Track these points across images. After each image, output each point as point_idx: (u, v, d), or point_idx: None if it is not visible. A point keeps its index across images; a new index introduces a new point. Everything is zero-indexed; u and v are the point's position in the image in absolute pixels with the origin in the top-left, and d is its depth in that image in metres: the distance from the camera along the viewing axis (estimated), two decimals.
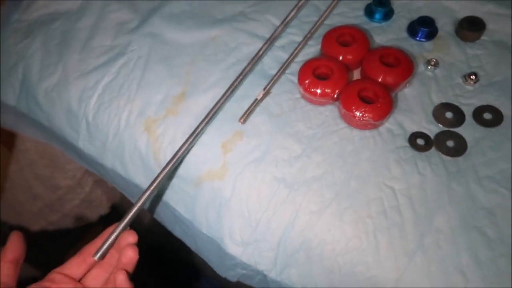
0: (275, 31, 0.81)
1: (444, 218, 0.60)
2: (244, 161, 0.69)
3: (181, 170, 0.73)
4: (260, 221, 0.67)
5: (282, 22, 0.82)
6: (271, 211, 0.66)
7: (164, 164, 0.72)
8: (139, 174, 0.78)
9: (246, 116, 0.72)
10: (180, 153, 0.70)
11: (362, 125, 0.69)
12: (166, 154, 0.73)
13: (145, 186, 0.72)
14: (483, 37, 0.77)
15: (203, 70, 0.79)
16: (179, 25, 0.85)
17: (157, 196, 0.77)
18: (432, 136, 0.68)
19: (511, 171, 0.63)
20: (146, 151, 0.75)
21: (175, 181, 0.74)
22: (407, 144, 0.67)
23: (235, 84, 0.75)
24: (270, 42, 0.80)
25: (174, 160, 0.70)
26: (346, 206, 0.63)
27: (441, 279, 0.57)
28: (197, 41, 0.83)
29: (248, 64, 0.78)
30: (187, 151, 0.71)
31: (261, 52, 0.79)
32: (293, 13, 0.83)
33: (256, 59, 0.78)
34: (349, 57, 0.74)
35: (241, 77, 0.76)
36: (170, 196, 0.75)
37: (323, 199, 0.64)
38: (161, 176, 0.69)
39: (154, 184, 0.69)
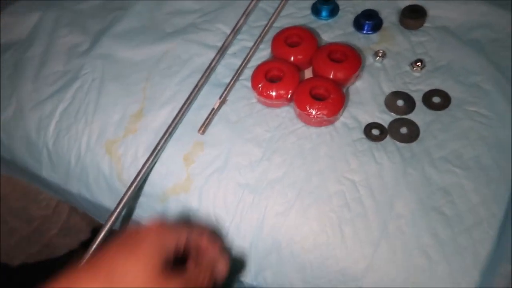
0: (226, 40, 0.82)
1: (404, 203, 0.62)
2: (207, 171, 0.70)
3: (147, 188, 0.73)
4: (229, 229, 0.67)
5: (232, 30, 0.84)
6: (239, 217, 0.67)
7: (129, 184, 0.72)
8: (106, 197, 0.77)
9: (204, 126, 0.73)
10: (143, 172, 0.70)
11: (318, 123, 0.70)
12: (130, 174, 0.73)
13: (112, 208, 0.72)
14: (425, 24, 0.80)
15: (159, 84, 0.80)
16: (130, 42, 0.86)
17: (127, 216, 0.77)
18: (386, 125, 0.70)
19: (461, 150, 0.65)
20: (110, 173, 0.75)
21: (142, 199, 0.74)
22: (363, 136, 0.69)
23: (191, 97, 0.76)
24: (222, 51, 0.81)
25: (138, 179, 0.70)
26: (310, 203, 0.65)
27: (407, 262, 0.59)
28: (150, 56, 0.84)
29: (203, 75, 0.79)
30: (150, 168, 0.71)
31: (214, 62, 0.80)
32: (242, 20, 0.84)
33: (209, 69, 0.79)
34: (299, 57, 0.76)
35: (196, 88, 0.77)
36: (140, 215, 0.75)
37: (287, 199, 0.65)
38: (126, 196, 0.69)
39: (120, 206, 0.69)
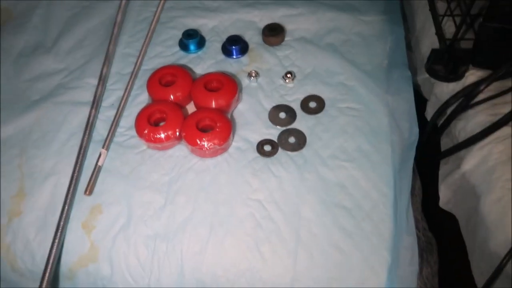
0: (95, 92, 0.79)
1: (308, 207, 0.66)
2: (111, 232, 0.66)
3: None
4: (149, 285, 0.64)
5: (98, 81, 0.81)
6: (157, 270, 0.64)
7: (27, 272, 0.65)
8: None
9: (90, 186, 0.69)
10: (54, 250, 0.64)
11: (212, 153, 0.71)
12: (25, 261, 0.66)
13: None
14: (286, 38, 0.87)
15: (36, 157, 0.74)
16: None
17: None
18: (275, 139, 0.73)
19: (345, 145, 0.71)
20: (2, 266, 0.67)
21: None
22: (257, 154, 0.72)
23: (78, 162, 0.71)
24: (96, 105, 0.78)
25: (51, 261, 0.63)
26: (224, 233, 0.65)
27: (325, 262, 0.62)
28: (19, 129, 0.77)
29: (84, 134, 0.75)
30: (61, 244, 0.65)
31: (91, 118, 0.76)
32: (105, 68, 0.82)
33: (89, 126, 0.75)
34: (178, 94, 0.76)
35: (82, 150, 0.73)
36: None
37: (200, 237, 0.65)
38: (46, 279, 0.62)
39: None
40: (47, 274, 0.62)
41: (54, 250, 0.64)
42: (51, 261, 0.63)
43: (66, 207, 0.67)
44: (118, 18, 0.91)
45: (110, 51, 0.85)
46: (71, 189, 0.69)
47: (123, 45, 0.89)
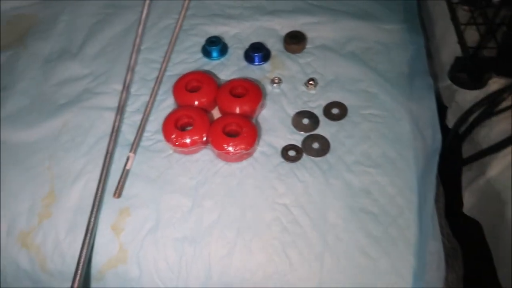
0: (120, 98, 0.81)
1: (335, 212, 0.67)
2: (140, 235, 0.67)
3: None
4: (177, 287, 0.65)
5: (123, 87, 0.83)
6: (185, 273, 0.65)
7: (57, 273, 0.66)
8: None
9: (119, 189, 0.70)
10: (84, 251, 0.65)
11: (238, 158, 0.72)
12: (55, 262, 0.67)
13: None
14: (307, 46, 0.88)
15: (65, 160, 0.75)
16: (22, 123, 0.80)
17: None
18: (299, 145, 0.75)
19: (369, 150, 0.72)
20: (32, 267, 0.68)
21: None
22: (282, 159, 0.73)
23: (106, 164, 0.73)
24: (120, 110, 0.79)
25: (82, 261, 0.64)
26: (251, 237, 0.66)
27: (352, 267, 0.63)
28: (48, 132, 0.79)
29: (110, 138, 0.76)
30: (91, 245, 0.66)
31: (117, 123, 0.78)
32: (129, 75, 0.84)
33: (115, 131, 0.77)
34: (203, 100, 0.78)
35: (108, 154, 0.74)
36: None
37: (228, 240, 0.66)
38: (77, 280, 0.63)
39: None
40: (78, 275, 0.63)
41: (84, 251, 0.65)
42: (81, 262, 0.64)
43: (95, 209, 0.68)
44: (139, 29, 0.93)
45: (132, 61, 0.87)
46: (99, 192, 0.70)
47: (147, 52, 0.90)
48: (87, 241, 0.65)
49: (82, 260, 0.64)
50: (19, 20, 1.00)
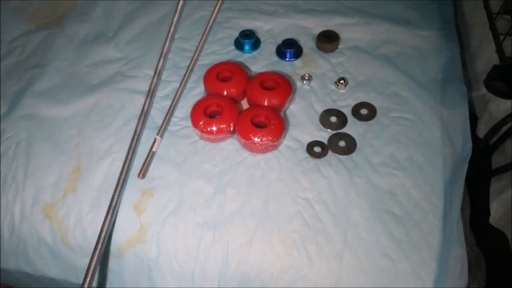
0: (151, 83, 0.82)
1: (357, 211, 0.66)
2: (161, 216, 0.68)
3: None
4: (194, 271, 0.65)
5: (154, 73, 0.84)
6: (202, 258, 0.65)
7: (77, 247, 0.67)
8: (51, 266, 0.71)
9: (144, 170, 0.71)
10: (106, 227, 0.65)
11: (264, 149, 0.72)
12: (76, 236, 0.68)
13: (60, 277, 0.67)
14: (340, 46, 0.88)
15: (93, 138, 0.76)
16: (54, 99, 0.82)
17: (78, 283, 0.70)
18: (325, 142, 0.74)
19: (396, 153, 0.71)
20: (53, 239, 0.69)
21: None
22: (307, 155, 0.73)
23: (133, 144, 0.74)
24: (151, 95, 0.80)
25: (103, 235, 0.65)
26: (271, 228, 0.65)
27: (372, 267, 0.62)
28: (78, 111, 0.80)
29: (138, 120, 0.77)
30: (112, 222, 0.67)
31: (146, 106, 0.79)
32: (161, 62, 0.85)
33: (143, 114, 0.78)
34: (233, 90, 0.78)
35: (136, 135, 0.75)
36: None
37: (248, 229, 0.65)
38: (96, 255, 0.64)
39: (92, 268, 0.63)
40: (98, 250, 0.64)
41: (105, 227, 0.66)
42: (102, 237, 0.65)
43: (119, 187, 0.69)
44: (175, 18, 0.94)
45: (165, 48, 0.88)
46: (124, 170, 0.71)
47: (180, 40, 0.92)
48: (109, 217, 0.66)
49: (103, 235, 0.65)
50: (59, 3, 1.03)
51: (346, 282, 0.62)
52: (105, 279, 0.69)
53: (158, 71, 0.85)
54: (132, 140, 0.74)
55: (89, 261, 0.63)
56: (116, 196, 0.68)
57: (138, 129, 0.76)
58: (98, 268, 0.63)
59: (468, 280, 0.63)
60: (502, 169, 0.68)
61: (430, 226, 0.64)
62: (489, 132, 0.72)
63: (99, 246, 0.64)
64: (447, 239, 0.63)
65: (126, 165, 0.71)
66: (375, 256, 0.62)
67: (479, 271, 0.65)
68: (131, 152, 0.73)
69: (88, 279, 0.61)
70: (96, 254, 0.64)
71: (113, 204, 0.68)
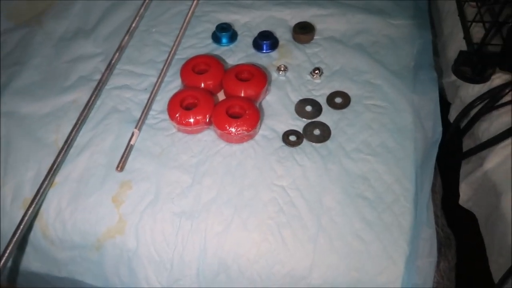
0: (102, 75, 0.84)
1: (331, 196, 0.67)
2: (139, 207, 0.69)
3: (77, 239, 0.69)
4: (173, 260, 0.67)
5: (107, 66, 0.86)
6: (181, 246, 0.67)
7: (57, 240, 0.69)
8: (33, 260, 0.72)
9: (122, 163, 0.72)
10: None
11: (240, 139, 0.74)
12: (56, 228, 0.69)
13: (43, 271, 0.68)
14: (316, 37, 0.89)
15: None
16: (33, 96, 0.82)
17: (60, 277, 0.72)
18: (301, 130, 0.76)
19: (369, 139, 0.73)
20: (33, 233, 0.70)
21: (75, 253, 0.70)
22: (283, 144, 0.74)
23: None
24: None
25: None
26: (247, 215, 0.67)
27: (345, 249, 0.63)
28: (58, 107, 0.81)
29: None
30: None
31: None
32: (116, 55, 0.87)
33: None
34: (209, 82, 0.79)
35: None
36: (74, 270, 0.71)
37: (224, 217, 0.67)
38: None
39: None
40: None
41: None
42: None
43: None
44: (140, 11, 0.96)
45: (124, 41, 0.90)
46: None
47: (158, 35, 0.93)
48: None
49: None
50: (38, 2, 1.03)
51: (321, 265, 0.63)
52: (86, 270, 0.70)
53: (110, 65, 0.86)
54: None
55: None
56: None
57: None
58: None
59: (439, 259, 0.65)
60: (471, 152, 0.70)
61: (402, 208, 0.66)
62: (459, 116, 0.74)
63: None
64: (417, 221, 0.65)
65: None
66: (348, 239, 0.64)
67: (449, 250, 0.67)
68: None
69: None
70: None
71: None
